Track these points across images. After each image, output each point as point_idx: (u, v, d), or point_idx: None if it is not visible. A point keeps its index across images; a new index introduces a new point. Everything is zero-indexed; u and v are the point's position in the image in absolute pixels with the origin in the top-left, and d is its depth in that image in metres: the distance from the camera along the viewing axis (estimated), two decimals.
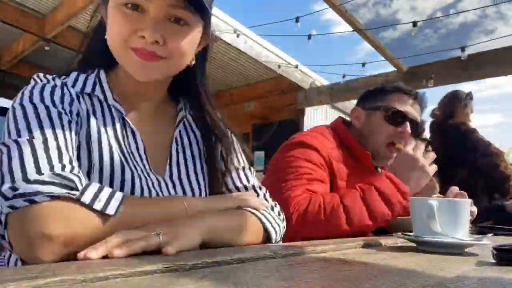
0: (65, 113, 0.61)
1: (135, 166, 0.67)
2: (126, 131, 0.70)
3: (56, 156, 0.54)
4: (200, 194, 0.75)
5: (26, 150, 0.53)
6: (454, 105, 2.61)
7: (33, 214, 0.48)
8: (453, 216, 0.72)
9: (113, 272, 0.35)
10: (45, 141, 0.55)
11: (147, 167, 0.70)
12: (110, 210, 0.51)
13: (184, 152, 0.78)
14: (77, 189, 0.51)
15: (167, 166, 0.73)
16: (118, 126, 0.69)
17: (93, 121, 0.66)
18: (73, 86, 0.68)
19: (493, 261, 0.56)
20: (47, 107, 0.60)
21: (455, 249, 0.69)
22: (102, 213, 0.51)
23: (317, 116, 5.51)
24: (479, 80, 3.98)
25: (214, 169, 0.79)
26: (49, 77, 0.68)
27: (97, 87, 0.69)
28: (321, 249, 0.61)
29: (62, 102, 0.63)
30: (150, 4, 0.62)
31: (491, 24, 3.50)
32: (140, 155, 0.70)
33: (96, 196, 0.51)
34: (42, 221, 0.47)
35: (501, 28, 3.54)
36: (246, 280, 0.36)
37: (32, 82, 0.67)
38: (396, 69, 4.13)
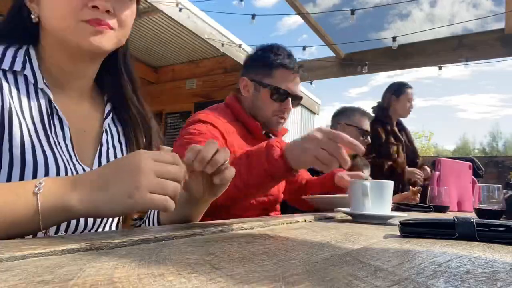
0: None
1: (61, 156, 0.64)
2: (53, 118, 0.66)
3: None
4: None
5: None
6: (388, 97, 2.80)
7: None
8: (380, 194, 0.92)
9: (32, 251, 0.34)
10: None
11: (73, 157, 0.67)
12: None
13: (113, 141, 0.77)
14: None
15: (96, 156, 0.72)
16: (44, 111, 0.65)
17: (16, 103, 0.61)
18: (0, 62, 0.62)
19: (399, 234, 0.63)
20: None
21: (380, 220, 0.89)
22: None
23: None
24: None
25: None
26: None
27: (27, 65, 0.64)
28: (250, 225, 0.65)
29: None
30: None
31: (405, 8, 3.76)
32: (66, 145, 0.67)
33: None
34: None
35: (417, 14, 3.81)
36: (170, 256, 0.37)
37: None
38: (334, 55, 4.30)
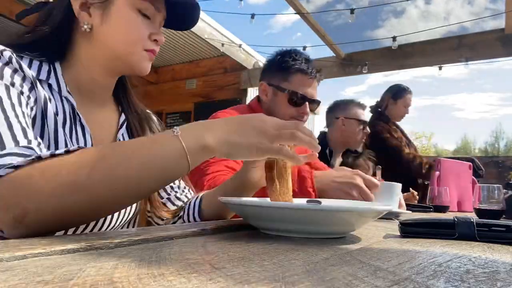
0: (24, 95, 0.59)
1: None
2: (76, 125, 0.69)
3: (21, 134, 0.52)
4: None
5: None
6: (386, 98, 2.80)
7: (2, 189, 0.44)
8: (390, 193, 1.04)
9: (32, 251, 0.34)
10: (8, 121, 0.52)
11: None
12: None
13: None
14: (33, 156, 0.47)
15: None
16: (68, 119, 0.68)
17: (50, 109, 0.64)
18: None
19: (399, 234, 0.63)
20: (7, 87, 0.57)
21: (389, 215, 0.98)
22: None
23: None
24: None
25: None
26: (7, 53, 0.61)
27: (52, 75, 0.67)
28: (250, 225, 0.65)
29: (21, 86, 0.60)
30: (157, 14, 0.74)
31: (400, 5, 3.74)
32: None
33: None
34: (12, 197, 0.44)
35: (411, 11, 3.80)
36: (170, 256, 0.37)
37: None
38: (335, 55, 4.30)
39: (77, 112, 0.70)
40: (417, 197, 2.05)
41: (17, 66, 0.61)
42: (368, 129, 2.25)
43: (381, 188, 1.03)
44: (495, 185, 1.26)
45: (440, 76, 4.12)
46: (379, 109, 2.79)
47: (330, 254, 0.42)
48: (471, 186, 1.91)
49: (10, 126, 0.51)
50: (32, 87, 0.63)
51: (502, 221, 0.65)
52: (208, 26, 4.40)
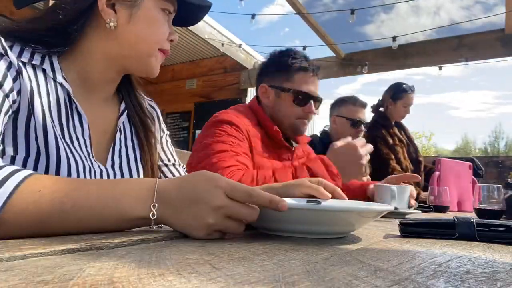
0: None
1: (77, 152, 0.65)
2: (72, 113, 0.68)
3: None
4: None
5: None
6: (385, 97, 2.76)
7: None
8: (402, 195, 1.19)
9: (32, 251, 0.34)
10: None
11: (90, 154, 0.68)
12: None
13: (125, 140, 0.78)
14: None
15: (109, 154, 0.73)
16: (63, 106, 0.66)
17: (37, 99, 0.62)
18: (18, 57, 0.62)
19: (399, 234, 0.63)
20: None
21: (400, 216, 1.08)
22: None
23: None
24: None
25: (147, 163, 0.80)
26: None
27: (46, 60, 0.66)
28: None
29: (5, 77, 0.58)
30: (172, 14, 0.75)
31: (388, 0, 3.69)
32: (84, 141, 0.68)
33: None
34: None
35: (401, 6, 3.75)
36: (170, 255, 0.37)
37: None
38: (335, 55, 4.30)
39: (73, 100, 0.67)
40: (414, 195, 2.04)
41: (2, 51, 0.59)
42: (362, 127, 2.21)
43: (393, 192, 1.13)
44: (495, 185, 1.26)
45: (433, 74, 4.11)
46: (380, 109, 2.76)
47: (330, 254, 0.42)
48: (471, 186, 1.91)
49: None
50: (17, 77, 0.60)
51: (502, 221, 0.65)
52: (208, 26, 4.40)
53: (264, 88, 1.42)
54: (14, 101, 0.59)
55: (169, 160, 0.89)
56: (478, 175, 2.38)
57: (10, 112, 0.59)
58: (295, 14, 3.63)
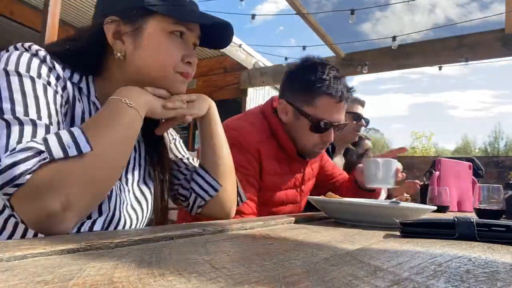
0: (54, 89, 0.63)
1: None
2: None
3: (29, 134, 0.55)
4: (148, 199, 0.79)
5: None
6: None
7: (28, 196, 0.50)
8: (388, 168, 1.22)
9: (32, 251, 0.34)
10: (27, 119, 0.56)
11: None
12: (85, 148, 0.54)
13: (140, 159, 0.80)
14: (42, 151, 0.52)
15: (123, 172, 0.75)
16: None
17: (78, 109, 0.68)
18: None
19: (399, 234, 0.63)
20: (44, 86, 0.61)
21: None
22: (80, 155, 0.54)
23: (260, 97, 5.57)
24: None
25: (160, 171, 0.81)
26: (42, 53, 0.64)
27: (83, 80, 0.70)
28: (250, 225, 0.65)
29: (56, 85, 0.64)
30: (191, 34, 0.75)
31: None
32: None
33: (62, 145, 0.53)
34: (40, 201, 0.51)
35: (396, 4, 3.71)
36: (170, 255, 0.37)
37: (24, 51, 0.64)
38: (334, 54, 4.30)
39: None
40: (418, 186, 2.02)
41: (51, 65, 0.64)
42: (363, 121, 2.18)
43: (378, 165, 1.14)
44: (495, 185, 1.26)
45: (430, 73, 4.12)
46: None
47: (330, 254, 0.42)
48: (471, 186, 1.91)
49: (47, 127, 0.57)
50: (65, 87, 0.66)
51: (502, 221, 0.65)
52: None
53: (283, 105, 1.26)
54: (63, 106, 0.65)
55: (183, 155, 0.91)
56: (478, 175, 2.38)
57: (64, 110, 0.65)
58: (295, 14, 3.63)
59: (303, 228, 0.68)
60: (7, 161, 0.50)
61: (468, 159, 2.18)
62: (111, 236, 0.44)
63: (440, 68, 4.11)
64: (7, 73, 0.59)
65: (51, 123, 0.59)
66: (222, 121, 1.28)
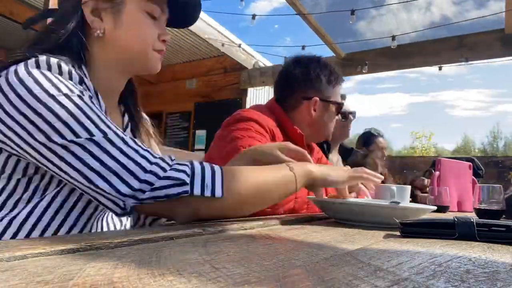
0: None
1: None
2: None
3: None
4: None
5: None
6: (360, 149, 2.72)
7: (169, 210, 0.63)
8: (403, 195, 1.19)
9: (32, 251, 0.34)
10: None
11: None
12: (218, 193, 0.62)
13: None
14: (186, 183, 0.60)
15: None
16: None
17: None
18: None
19: (399, 234, 0.63)
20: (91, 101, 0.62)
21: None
22: (213, 197, 0.62)
23: (260, 97, 5.57)
24: None
25: None
26: (66, 68, 0.63)
27: (85, 79, 0.68)
28: (250, 225, 0.65)
29: (90, 97, 0.64)
30: (162, 15, 0.77)
31: None
32: None
33: (203, 184, 0.61)
34: (178, 216, 0.64)
35: (392, 1, 3.67)
36: (170, 255, 0.37)
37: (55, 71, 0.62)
38: (334, 55, 4.30)
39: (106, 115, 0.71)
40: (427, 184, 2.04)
41: (77, 78, 0.63)
42: (350, 116, 2.17)
43: (390, 191, 1.17)
44: (495, 185, 1.26)
45: (428, 72, 4.11)
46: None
47: (330, 254, 0.42)
48: (471, 186, 1.91)
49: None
50: (91, 96, 0.65)
51: (502, 221, 0.65)
52: (208, 26, 4.40)
53: (314, 101, 1.39)
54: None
55: None
56: (478, 175, 2.38)
57: None
58: (295, 14, 3.63)
59: (303, 228, 0.68)
60: (171, 173, 0.59)
61: (468, 159, 2.18)
62: (111, 236, 0.44)
63: (440, 68, 4.11)
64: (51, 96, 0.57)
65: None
66: (222, 121, 1.33)
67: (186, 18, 0.83)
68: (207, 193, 0.61)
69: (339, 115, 2.10)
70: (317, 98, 1.40)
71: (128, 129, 0.81)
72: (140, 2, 0.73)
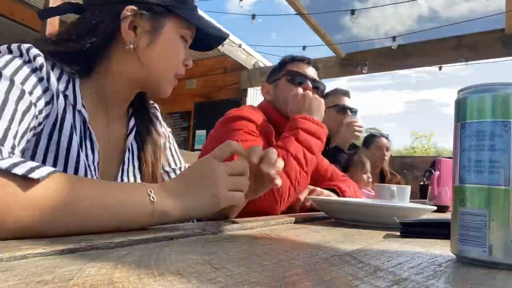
0: (31, 100, 0.57)
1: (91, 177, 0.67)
2: (85, 140, 0.68)
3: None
4: None
5: None
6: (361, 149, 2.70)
7: None
8: (403, 195, 1.27)
9: (32, 251, 0.34)
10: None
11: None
12: (35, 175, 0.44)
13: (133, 159, 0.79)
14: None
15: (119, 174, 0.74)
16: (79, 132, 0.67)
17: (68, 122, 0.64)
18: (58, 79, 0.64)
19: (399, 234, 0.63)
20: (22, 93, 0.56)
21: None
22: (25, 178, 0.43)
23: (260, 97, 5.57)
24: None
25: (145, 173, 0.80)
26: (40, 60, 0.60)
27: (70, 87, 0.66)
28: (250, 225, 0.65)
29: (39, 97, 0.59)
30: (190, 40, 0.77)
31: None
32: (94, 168, 0.69)
33: (17, 164, 0.44)
34: None
35: None
36: (170, 255, 0.37)
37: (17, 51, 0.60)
38: (334, 55, 4.30)
39: (87, 126, 0.68)
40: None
41: (44, 75, 0.60)
42: (349, 112, 2.13)
43: (390, 190, 1.16)
44: None
45: (422, 69, 4.10)
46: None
47: (330, 254, 0.42)
48: None
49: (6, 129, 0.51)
50: (50, 101, 0.61)
51: None
52: None
53: (265, 87, 1.47)
54: (39, 124, 0.60)
55: (176, 164, 0.90)
56: None
57: (33, 131, 0.59)
58: (295, 14, 3.63)
59: (303, 228, 0.68)
60: None
61: None
62: (111, 236, 0.44)
63: (440, 68, 4.11)
64: None
65: (9, 128, 0.52)
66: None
67: (205, 47, 0.83)
68: (18, 171, 0.43)
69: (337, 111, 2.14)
70: (265, 83, 1.47)
71: (132, 134, 0.79)
72: (178, 27, 0.73)
